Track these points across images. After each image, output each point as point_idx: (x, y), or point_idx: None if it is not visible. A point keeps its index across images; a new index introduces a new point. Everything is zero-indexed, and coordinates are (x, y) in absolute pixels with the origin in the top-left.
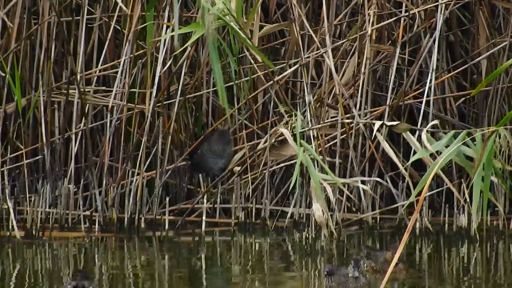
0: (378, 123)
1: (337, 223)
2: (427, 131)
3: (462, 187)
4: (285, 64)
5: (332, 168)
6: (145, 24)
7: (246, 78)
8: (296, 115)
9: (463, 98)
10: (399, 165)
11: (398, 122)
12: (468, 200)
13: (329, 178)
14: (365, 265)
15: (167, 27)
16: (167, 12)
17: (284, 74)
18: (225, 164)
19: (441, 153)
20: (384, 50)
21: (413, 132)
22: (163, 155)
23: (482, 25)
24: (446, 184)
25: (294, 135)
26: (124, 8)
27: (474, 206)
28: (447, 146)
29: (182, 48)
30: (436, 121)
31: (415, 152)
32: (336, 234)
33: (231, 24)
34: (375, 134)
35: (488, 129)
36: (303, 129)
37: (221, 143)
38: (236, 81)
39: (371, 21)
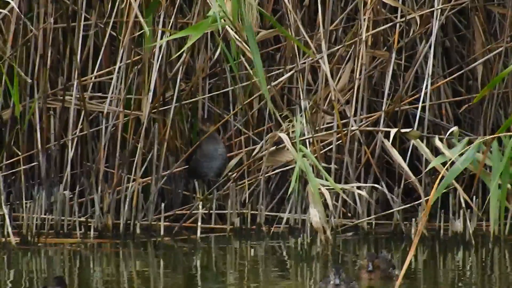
0: (393, 131)
1: (333, 229)
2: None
3: (457, 193)
4: (281, 70)
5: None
6: (141, 32)
7: (246, 83)
8: (293, 121)
9: (466, 106)
10: (410, 174)
11: (411, 129)
12: (464, 205)
13: (326, 184)
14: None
15: (163, 32)
16: (162, 18)
17: (280, 80)
18: (220, 166)
19: (451, 160)
20: (380, 55)
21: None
22: (159, 161)
23: (478, 30)
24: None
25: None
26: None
27: (492, 215)
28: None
29: (178, 53)
30: (455, 128)
31: (411, 158)
32: (332, 240)
33: (226, 27)
34: (375, 141)
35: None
36: (307, 137)
37: (210, 143)
38: (234, 87)
39: (366, 26)
